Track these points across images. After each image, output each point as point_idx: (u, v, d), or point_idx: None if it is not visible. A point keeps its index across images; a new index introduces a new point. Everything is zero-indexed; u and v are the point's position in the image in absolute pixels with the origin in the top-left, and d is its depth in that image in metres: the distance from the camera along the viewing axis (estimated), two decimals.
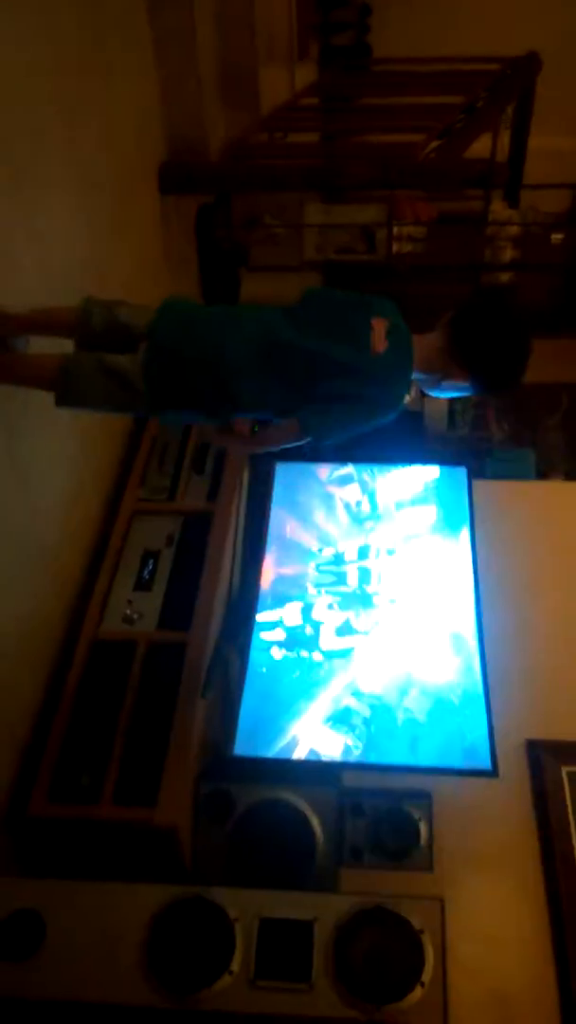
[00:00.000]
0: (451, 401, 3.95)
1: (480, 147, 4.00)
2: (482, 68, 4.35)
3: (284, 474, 3.41)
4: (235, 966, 2.04)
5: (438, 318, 2.11)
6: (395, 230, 4.22)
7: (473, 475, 3.34)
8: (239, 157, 4.03)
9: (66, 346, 2.21)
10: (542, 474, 4.05)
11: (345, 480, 3.42)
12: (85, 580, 2.91)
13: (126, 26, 3.27)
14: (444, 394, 2.21)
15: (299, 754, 2.63)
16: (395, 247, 4.25)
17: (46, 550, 2.63)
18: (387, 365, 2.05)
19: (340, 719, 2.72)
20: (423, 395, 2.27)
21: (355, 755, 2.63)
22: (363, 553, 3.20)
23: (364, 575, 3.15)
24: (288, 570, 3.16)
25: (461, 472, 3.35)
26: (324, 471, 3.43)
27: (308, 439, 2.06)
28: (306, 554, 3.20)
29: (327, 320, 2.11)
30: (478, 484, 3.31)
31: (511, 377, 2.08)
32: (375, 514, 3.31)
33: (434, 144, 3.83)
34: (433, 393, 2.20)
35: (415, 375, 2.09)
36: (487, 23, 5.37)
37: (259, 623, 2.94)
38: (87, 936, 2.07)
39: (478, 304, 2.14)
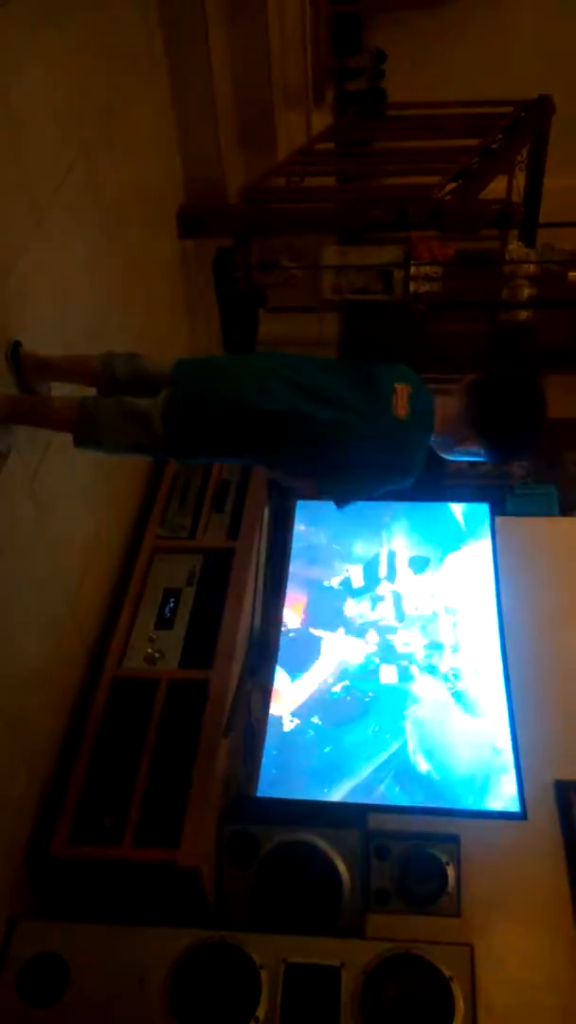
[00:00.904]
0: None
1: (496, 187, 4.06)
2: (496, 111, 4.41)
3: (305, 511, 3.41)
4: (261, 1013, 2.00)
5: (460, 379, 2.08)
6: (412, 270, 4.25)
7: (496, 511, 3.33)
8: (256, 201, 4.09)
9: (88, 393, 2.23)
10: (564, 510, 4.03)
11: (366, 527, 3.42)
12: (107, 618, 2.90)
13: (145, 73, 3.35)
14: (457, 457, 2.20)
15: (324, 796, 2.60)
16: (412, 287, 4.27)
17: (68, 589, 2.63)
18: (407, 430, 2.04)
19: (366, 756, 2.69)
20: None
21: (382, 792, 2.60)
22: (395, 598, 3.19)
23: (383, 610, 3.13)
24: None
25: (483, 508, 3.34)
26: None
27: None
28: (325, 591, 3.20)
29: (351, 380, 2.10)
30: (500, 521, 3.30)
31: (528, 451, 2.08)
32: (392, 567, 3.30)
33: (450, 186, 3.87)
34: (446, 456, 2.19)
35: (432, 438, 2.09)
36: (500, 68, 5.46)
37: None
38: (110, 981, 2.04)
39: (502, 378, 2.10)
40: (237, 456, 2.09)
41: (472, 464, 4.08)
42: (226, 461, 2.20)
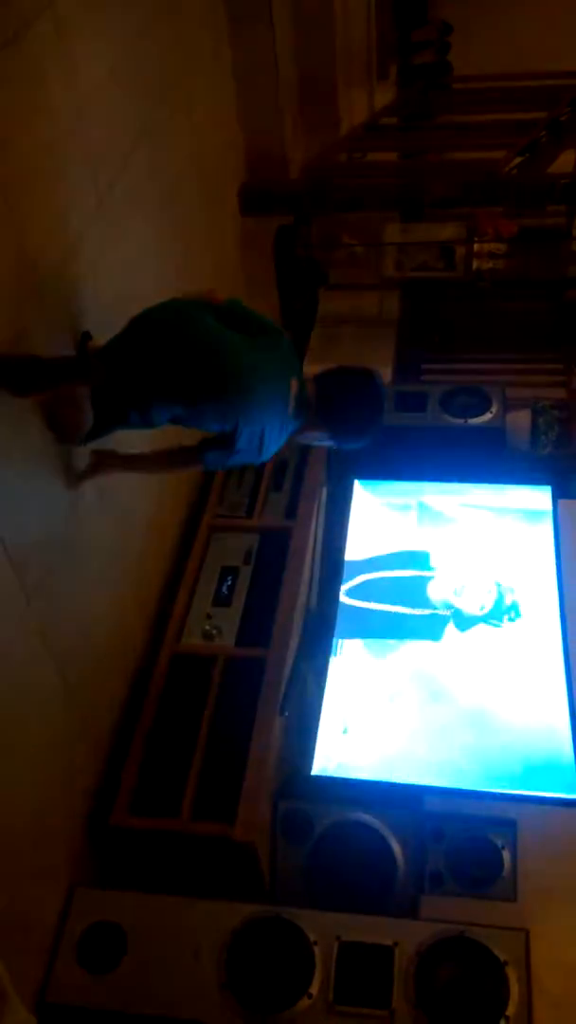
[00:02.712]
0: (535, 417, 3.87)
1: (563, 162, 3.96)
2: (565, 83, 4.29)
3: (363, 492, 3.39)
4: (314, 989, 2.01)
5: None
6: (475, 247, 4.18)
7: (559, 494, 3.26)
8: (318, 177, 4.05)
9: None
10: None
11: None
12: (165, 594, 2.93)
13: (207, 50, 3.33)
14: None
15: (379, 775, 2.60)
16: (475, 264, 4.21)
17: (128, 565, 2.66)
18: None
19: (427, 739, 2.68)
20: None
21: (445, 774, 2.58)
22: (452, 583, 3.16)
23: (446, 600, 3.11)
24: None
25: (545, 491, 3.28)
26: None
27: None
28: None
29: None
30: (564, 504, 3.23)
31: (364, 437, 2.12)
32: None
33: (516, 160, 3.79)
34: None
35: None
36: (568, 39, 5.31)
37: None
38: (167, 951, 2.08)
39: (341, 372, 2.11)
40: None
41: (532, 446, 4.02)
42: None
